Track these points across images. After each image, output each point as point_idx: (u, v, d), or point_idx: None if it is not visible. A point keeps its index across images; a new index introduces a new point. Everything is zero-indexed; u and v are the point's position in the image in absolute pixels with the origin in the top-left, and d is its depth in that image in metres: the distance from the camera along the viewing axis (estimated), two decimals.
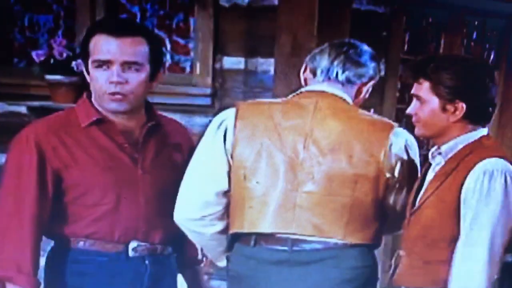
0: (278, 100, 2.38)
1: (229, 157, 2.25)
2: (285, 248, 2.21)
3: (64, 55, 3.81)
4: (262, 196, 2.21)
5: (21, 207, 2.10)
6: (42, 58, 3.85)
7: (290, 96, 2.34)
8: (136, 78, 2.12)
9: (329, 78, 2.29)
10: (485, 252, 2.06)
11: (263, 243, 2.23)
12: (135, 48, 2.12)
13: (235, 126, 2.24)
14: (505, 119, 4.69)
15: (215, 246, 2.37)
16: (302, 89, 2.34)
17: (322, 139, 2.21)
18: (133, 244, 2.21)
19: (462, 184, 2.10)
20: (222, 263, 2.42)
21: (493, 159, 2.11)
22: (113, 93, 2.11)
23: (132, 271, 2.22)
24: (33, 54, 3.89)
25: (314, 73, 2.32)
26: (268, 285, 2.23)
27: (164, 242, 2.30)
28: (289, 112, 2.25)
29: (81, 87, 3.86)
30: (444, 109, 2.16)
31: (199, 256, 2.52)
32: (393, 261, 2.33)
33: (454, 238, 2.12)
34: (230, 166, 2.25)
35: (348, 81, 2.30)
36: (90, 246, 2.18)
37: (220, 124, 2.27)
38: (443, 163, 2.20)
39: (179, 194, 2.26)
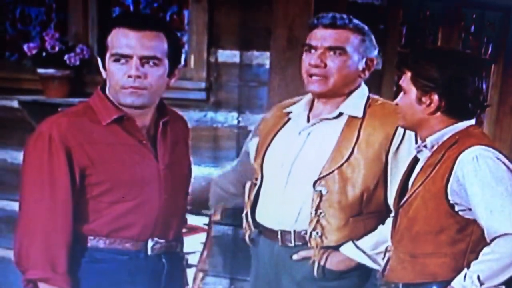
0: None
1: None
2: None
3: (57, 48, 3.78)
4: None
5: (55, 206, 2.05)
6: (34, 51, 3.81)
7: None
8: (155, 73, 2.09)
9: None
10: None
11: None
12: (154, 43, 2.08)
13: None
14: (502, 112, 4.66)
15: None
16: None
17: None
18: (151, 242, 2.19)
19: (448, 174, 2.05)
20: None
21: (481, 146, 2.05)
22: (131, 87, 2.08)
23: (150, 269, 2.20)
24: (25, 47, 3.84)
25: None
26: None
27: (177, 239, 2.30)
28: None
29: (74, 81, 3.85)
30: (420, 101, 2.13)
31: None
32: (384, 256, 2.30)
33: (441, 229, 2.08)
34: None
35: None
36: (110, 245, 2.14)
37: None
38: (429, 155, 2.16)
39: None
